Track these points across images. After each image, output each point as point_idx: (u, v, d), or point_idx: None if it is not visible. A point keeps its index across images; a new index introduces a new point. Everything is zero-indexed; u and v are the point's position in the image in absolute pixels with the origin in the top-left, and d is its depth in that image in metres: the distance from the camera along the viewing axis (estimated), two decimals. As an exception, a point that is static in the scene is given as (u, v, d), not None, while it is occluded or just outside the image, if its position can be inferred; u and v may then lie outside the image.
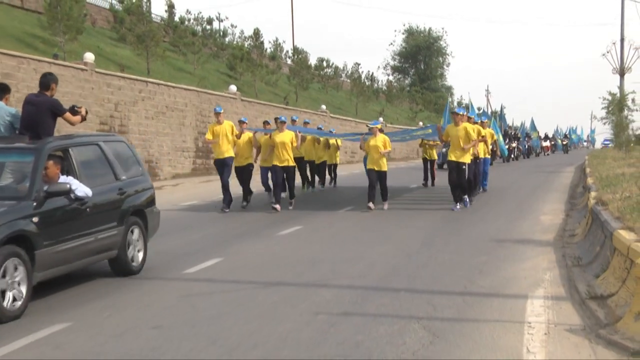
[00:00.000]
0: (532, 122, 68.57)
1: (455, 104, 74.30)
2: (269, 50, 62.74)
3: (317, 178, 27.97)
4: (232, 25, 66.88)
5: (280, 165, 20.00)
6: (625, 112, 45.87)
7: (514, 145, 52.16)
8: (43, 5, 35.04)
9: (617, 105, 46.19)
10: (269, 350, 7.65)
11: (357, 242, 14.92)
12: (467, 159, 19.76)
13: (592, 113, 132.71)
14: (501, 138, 44.52)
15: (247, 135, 21.26)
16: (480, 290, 10.38)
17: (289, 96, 54.51)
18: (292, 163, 20.40)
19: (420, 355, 7.36)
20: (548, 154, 67.74)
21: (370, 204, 19.83)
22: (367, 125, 20.99)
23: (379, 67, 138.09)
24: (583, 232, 14.63)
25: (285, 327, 8.51)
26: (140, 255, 12.14)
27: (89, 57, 31.17)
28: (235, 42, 56.99)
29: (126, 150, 12.94)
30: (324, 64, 70.02)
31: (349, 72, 76.42)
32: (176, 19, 51.50)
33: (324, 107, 56.39)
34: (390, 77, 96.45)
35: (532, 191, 26.37)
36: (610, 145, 63.52)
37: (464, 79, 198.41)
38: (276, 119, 21.37)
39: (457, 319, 8.82)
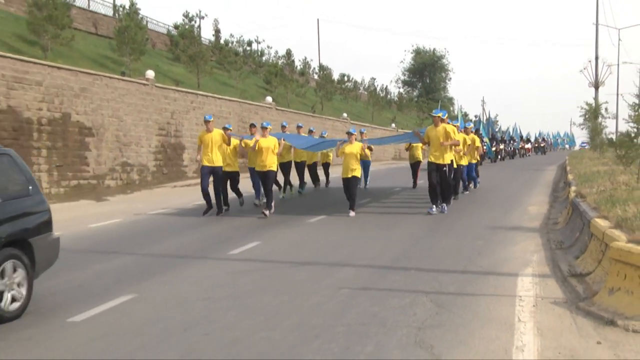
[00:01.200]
0: (516, 127, 68.06)
1: (456, 112, 73.22)
2: (299, 67, 62.67)
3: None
4: (268, 47, 67.83)
5: (262, 170, 17.04)
6: (600, 119, 46.50)
7: (501, 147, 50.60)
8: (113, 32, 35.26)
9: (592, 114, 46.78)
10: (301, 318, 7.67)
11: (372, 229, 14.84)
12: (446, 159, 16.68)
13: (571, 120, 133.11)
14: (488, 141, 44.10)
15: (232, 142, 18.05)
16: (478, 269, 10.33)
17: (316, 106, 54.56)
18: (273, 168, 17.22)
19: (428, 324, 7.35)
20: (529, 155, 66.43)
21: (352, 213, 16.78)
22: (346, 133, 17.91)
23: (391, 81, 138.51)
24: (565, 220, 14.56)
25: (314, 300, 8.55)
26: (19, 299, 8.09)
27: (150, 74, 31.33)
28: (270, 61, 57.04)
29: (8, 165, 8.79)
30: (345, 78, 70.15)
31: (366, 85, 76.73)
32: (222, 41, 51.62)
33: (345, 115, 56.51)
34: (401, 90, 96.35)
35: (520, 186, 26.08)
36: (587, 147, 63.58)
37: (463, 90, 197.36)
38: (261, 125, 18.08)
39: (459, 293, 8.79)
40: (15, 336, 7.31)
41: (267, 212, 16.70)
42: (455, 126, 19.35)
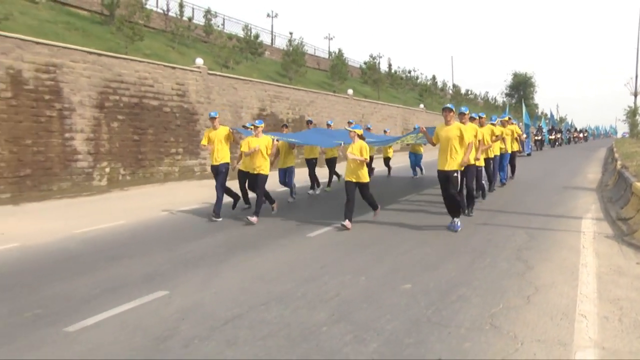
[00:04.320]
0: (571, 122, 62.40)
1: (540, 113, 67.65)
2: (440, 86, 61.10)
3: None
4: (421, 73, 66.08)
5: (252, 173, 9.84)
6: (637, 117, 44.59)
7: (558, 136, 43.78)
8: (328, 67, 36.04)
9: (632, 113, 44.80)
10: (443, 241, 7.60)
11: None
12: (456, 165, 8.28)
13: (616, 117, 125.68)
14: (546, 131, 39.93)
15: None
16: (556, 214, 9.84)
17: (473, 113, 53.53)
18: (263, 171, 9.64)
19: (524, 247, 7.16)
20: (581, 142, 58.81)
21: (347, 222, 8.62)
22: (346, 128, 10.70)
23: (498, 93, 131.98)
24: (613, 183, 13.46)
25: (446, 234, 8.37)
26: None
27: (350, 91, 31.72)
28: (422, 82, 55.82)
29: None
30: (469, 92, 67.87)
31: (483, 96, 74.09)
32: (392, 70, 51.13)
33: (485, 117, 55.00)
34: (504, 99, 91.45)
35: (580, 162, 24.15)
36: (627, 136, 58.75)
37: (546, 99, 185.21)
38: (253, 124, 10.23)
39: (543, 228, 8.43)
40: (279, 243, 7.71)
41: (253, 219, 9.31)
42: (480, 119, 12.13)
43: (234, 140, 10.23)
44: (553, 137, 42.08)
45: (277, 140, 10.16)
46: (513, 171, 15.57)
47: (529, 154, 27.44)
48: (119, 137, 16.22)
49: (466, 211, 9.42)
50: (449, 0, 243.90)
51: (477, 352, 3.91)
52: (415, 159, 17.48)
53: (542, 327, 4.38)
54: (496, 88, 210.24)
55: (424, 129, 8.88)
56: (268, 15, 43.47)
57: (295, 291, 5.39)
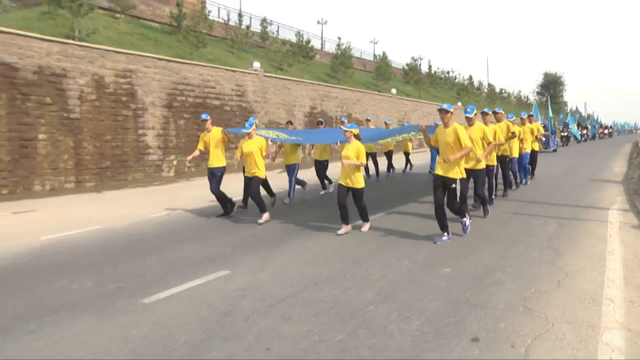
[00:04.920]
0: (598, 118, 59.22)
1: (568, 110, 64.03)
2: (476, 85, 59.68)
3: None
4: (459, 74, 64.76)
5: (248, 176, 8.55)
6: None
7: (584, 132, 40.95)
8: (373, 69, 35.82)
9: None
10: (479, 228, 7.43)
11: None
12: (456, 173, 6.62)
13: None
14: (575, 127, 37.81)
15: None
16: (584, 204, 9.51)
17: (486, 107, 52.06)
18: (259, 174, 8.39)
19: (554, 235, 6.96)
20: (607, 138, 52.36)
21: (342, 229, 7.37)
22: (341, 127, 7.98)
23: (530, 92, 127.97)
24: (638, 176, 12.83)
25: (487, 220, 8.23)
26: None
27: (393, 91, 31.45)
28: (460, 82, 54.69)
29: None
30: (503, 91, 66.07)
31: (516, 94, 72.01)
32: (432, 71, 50.33)
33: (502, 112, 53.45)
34: (535, 97, 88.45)
35: (607, 156, 22.95)
36: None
37: (575, 97, 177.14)
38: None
39: (572, 218, 8.16)
40: (328, 230, 7.66)
41: (260, 220, 8.35)
42: (493, 115, 10.20)
43: (228, 141, 9.08)
44: (580, 132, 40.19)
45: (271, 141, 8.92)
46: (533, 170, 13.31)
47: (554, 150, 26.37)
48: (185, 134, 16.70)
49: (467, 216, 7.18)
50: (485, 4, 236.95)
51: (511, 331, 3.87)
52: (434, 155, 15.54)
53: (571, 309, 4.29)
54: (528, 87, 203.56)
55: (424, 127, 7.27)
56: (318, 22, 43.65)
57: (345, 273, 5.42)
